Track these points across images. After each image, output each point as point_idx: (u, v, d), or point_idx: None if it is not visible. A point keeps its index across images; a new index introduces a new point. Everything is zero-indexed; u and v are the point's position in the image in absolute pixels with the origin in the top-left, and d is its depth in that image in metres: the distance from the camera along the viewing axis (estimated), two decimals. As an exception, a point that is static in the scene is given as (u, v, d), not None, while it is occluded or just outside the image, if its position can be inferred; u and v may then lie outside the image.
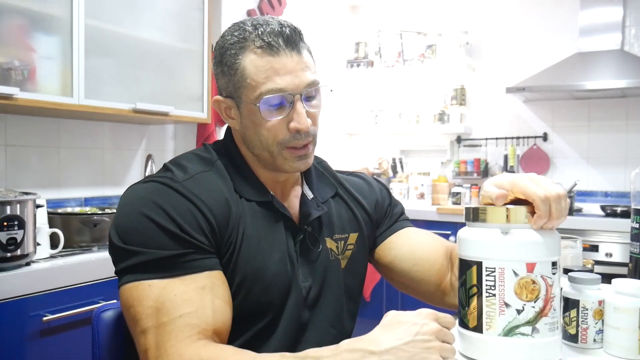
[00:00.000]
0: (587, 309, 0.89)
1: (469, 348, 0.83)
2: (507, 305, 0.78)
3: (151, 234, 0.86)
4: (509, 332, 0.78)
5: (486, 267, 0.79)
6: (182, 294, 0.84)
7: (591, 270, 1.04)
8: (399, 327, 0.78)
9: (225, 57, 0.96)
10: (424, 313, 0.80)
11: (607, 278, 0.93)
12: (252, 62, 0.93)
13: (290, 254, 1.00)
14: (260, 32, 0.93)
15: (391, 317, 0.81)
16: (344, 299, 1.07)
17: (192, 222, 0.89)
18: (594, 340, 0.90)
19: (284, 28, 0.94)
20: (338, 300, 1.06)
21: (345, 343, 0.79)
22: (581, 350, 0.90)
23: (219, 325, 0.86)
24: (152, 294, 0.84)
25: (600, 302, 0.89)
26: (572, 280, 0.92)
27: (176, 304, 0.83)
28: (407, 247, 1.13)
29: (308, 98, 0.97)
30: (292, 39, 0.94)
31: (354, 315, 1.13)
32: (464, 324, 0.84)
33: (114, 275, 0.90)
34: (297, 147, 0.97)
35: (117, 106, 2.09)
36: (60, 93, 1.90)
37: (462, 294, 0.84)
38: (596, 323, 0.89)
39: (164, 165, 0.99)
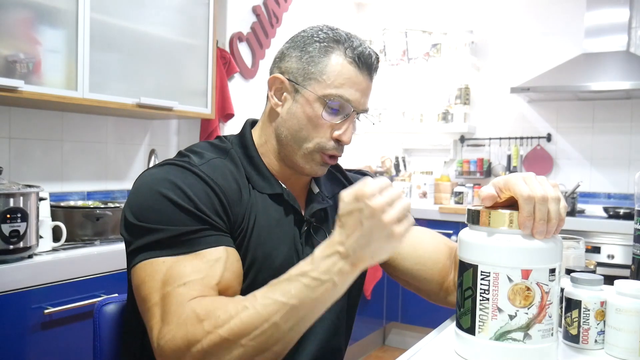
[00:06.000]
0: (588, 310, 0.89)
1: (463, 348, 0.83)
2: (499, 310, 0.78)
3: (168, 212, 0.87)
4: (501, 336, 0.78)
5: (481, 271, 0.79)
6: (194, 266, 0.84)
7: (593, 272, 1.04)
8: (347, 221, 0.75)
9: (311, 45, 1.00)
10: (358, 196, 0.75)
11: (609, 280, 0.93)
12: (339, 64, 0.99)
13: (297, 247, 1.02)
14: (354, 45, 1.00)
15: (339, 212, 0.77)
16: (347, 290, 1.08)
17: (208, 203, 0.90)
18: (595, 341, 0.89)
19: (372, 54, 1.02)
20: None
21: (317, 251, 0.78)
22: (582, 351, 0.90)
23: (222, 289, 0.85)
24: (163, 268, 0.84)
25: (602, 303, 0.89)
26: (574, 281, 0.92)
27: (184, 274, 0.83)
28: (410, 246, 1.13)
29: (358, 119, 1.05)
30: (374, 67, 1.03)
31: (353, 309, 1.13)
32: (459, 324, 0.84)
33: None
34: (329, 154, 1.02)
35: (121, 100, 2.09)
36: (65, 86, 1.90)
37: (459, 295, 0.84)
38: (598, 324, 0.89)
39: (179, 152, 1.01)
